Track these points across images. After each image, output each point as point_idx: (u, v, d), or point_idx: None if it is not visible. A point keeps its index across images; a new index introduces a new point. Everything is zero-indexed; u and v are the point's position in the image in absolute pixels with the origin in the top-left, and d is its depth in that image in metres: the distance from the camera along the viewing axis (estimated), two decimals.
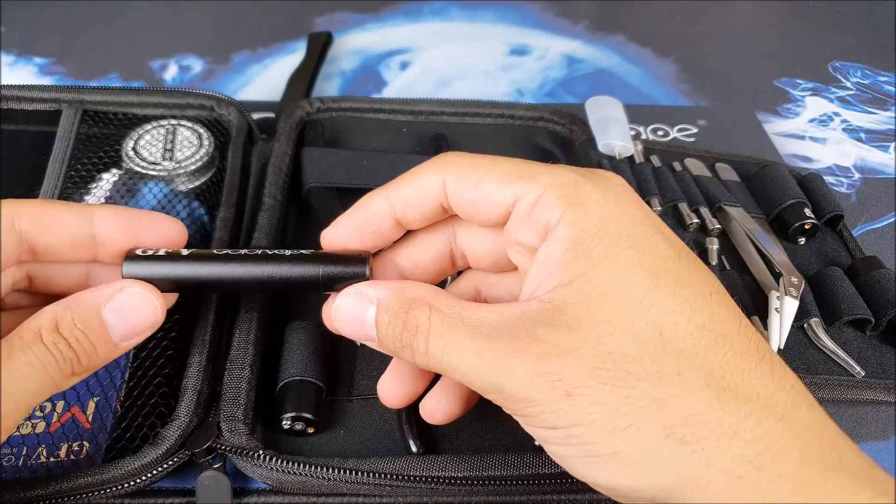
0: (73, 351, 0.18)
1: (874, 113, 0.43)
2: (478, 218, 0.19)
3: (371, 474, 0.20)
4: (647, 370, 0.15)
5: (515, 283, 0.21)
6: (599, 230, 0.16)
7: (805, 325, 0.27)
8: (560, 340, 0.15)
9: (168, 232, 0.21)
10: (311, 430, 0.23)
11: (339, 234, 0.20)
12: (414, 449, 0.23)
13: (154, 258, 0.20)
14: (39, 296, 0.21)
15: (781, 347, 0.25)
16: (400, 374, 0.21)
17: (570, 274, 0.16)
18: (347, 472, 0.20)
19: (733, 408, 0.14)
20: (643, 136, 0.40)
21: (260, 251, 0.20)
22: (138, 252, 0.20)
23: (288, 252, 0.20)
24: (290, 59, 0.45)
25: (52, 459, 0.21)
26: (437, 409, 0.21)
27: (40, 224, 0.19)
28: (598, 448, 0.15)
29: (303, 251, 0.20)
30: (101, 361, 0.19)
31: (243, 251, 0.20)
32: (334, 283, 0.20)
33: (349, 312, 0.18)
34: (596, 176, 0.18)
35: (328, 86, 0.43)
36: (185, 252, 0.20)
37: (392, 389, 0.21)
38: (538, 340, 0.16)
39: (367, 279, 0.21)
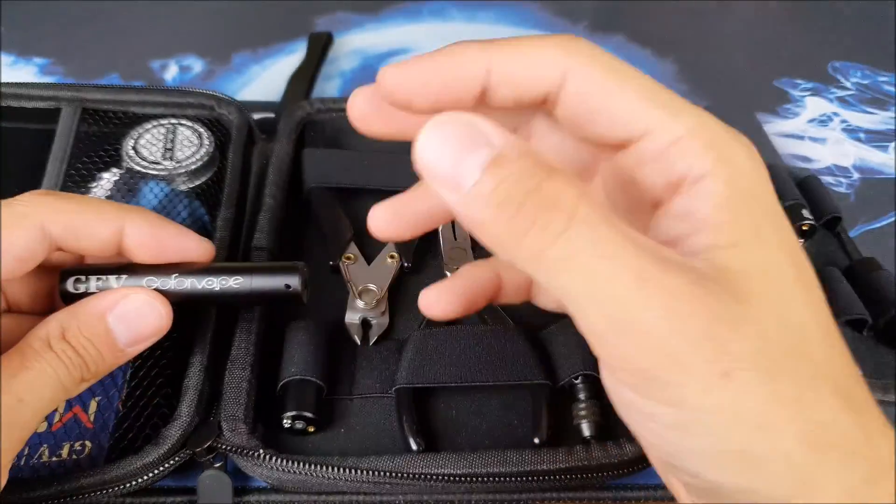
0: (80, 358, 0.18)
1: (873, 113, 0.43)
2: (588, 132, 0.15)
3: (370, 472, 0.21)
4: (789, 367, 0.13)
5: None
6: (752, 198, 0.14)
7: None
8: (732, 308, 0.13)
9: (196, 254, 0.21)
10: (311, 429, 0.24)
11: (411, 79, 0.15)
12: (413, 447, 0.23)
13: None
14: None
15: None
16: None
17: (729, 237, 0.14)
18: (347, 470, 0.21)
19: (854, 421, 0.13)
20: None
21: (190, 270, 0.20)
22: (70, 287, 0.20)
23: (218, 264, 0.21)
24: (291, 59, 0.45)
25: (54, 459, 0.22)
26: (437, 303, 0.19)
27: (72, 231, 0.19)
28: (724, 443, 0.13)
29: (232, 265, 0.21)
30: (110, 367, 0.19)
31: (174, 275, 0.20)
32: (264, 299, 0.20)
33: (451, 141, 0.13)
34: (739, 136, 0.15)
35: (328, 86, 0.44)
36: (113, 281, 0.20)
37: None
38: (714, 295, 0.13)
39: (299, 294, 0.21)
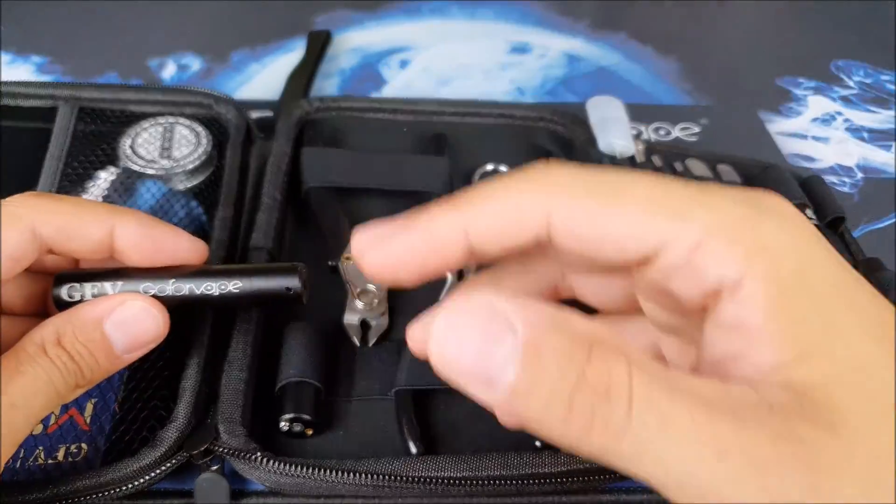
0: (76, 364, 0.18)
1: (877, 112, 0.43)
2: (598, 261, 0.14)
3: (369, 475, 0.20)
4: None
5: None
6: (806, 284, 0.12)
7: None
8: (828, 448, 0.11)
9: (189, 255, 0.21)
10: (309, 432, 0.23)
11: (391, 262, 0.15)
12: (413, 450, 0.22)
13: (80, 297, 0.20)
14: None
15: None
16: None
17: (795, 347, 0.11)
18: (345, 473, 0.20)
19: None
20: (644, 136, 0.40)
21: (188, 274, 0.20)
22: (65, 295, 0.20)
23: (216, 267, 0.21)
24: (290, 57, 0.44)
25: (49, 461, 0.21)
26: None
27: (63, 233, 0.19)
28: None
29: (231, 268, 0.21)
30: (105, 374, 0.19)
31: (172, 280, 0.20)
32: (264, 301, 0.20)
33: (470, 343, 0.12)
34: (763, 205, 0.13)
35: (327, 84, 0.43)
36: (109, 287, 0.20)
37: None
38: (803, 443, 0.11)
39: (300, 295, 0.21)
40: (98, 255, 0.20)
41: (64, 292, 0.20)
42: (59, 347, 0.18)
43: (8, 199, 0.19)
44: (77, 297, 0.20)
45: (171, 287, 0.20)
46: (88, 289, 0.20)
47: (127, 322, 0.19)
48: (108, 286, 0.20)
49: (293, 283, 0.20)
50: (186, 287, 0.20)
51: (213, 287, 0.20)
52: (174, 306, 0.20)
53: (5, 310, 0.20)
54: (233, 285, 0.20)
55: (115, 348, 0.19)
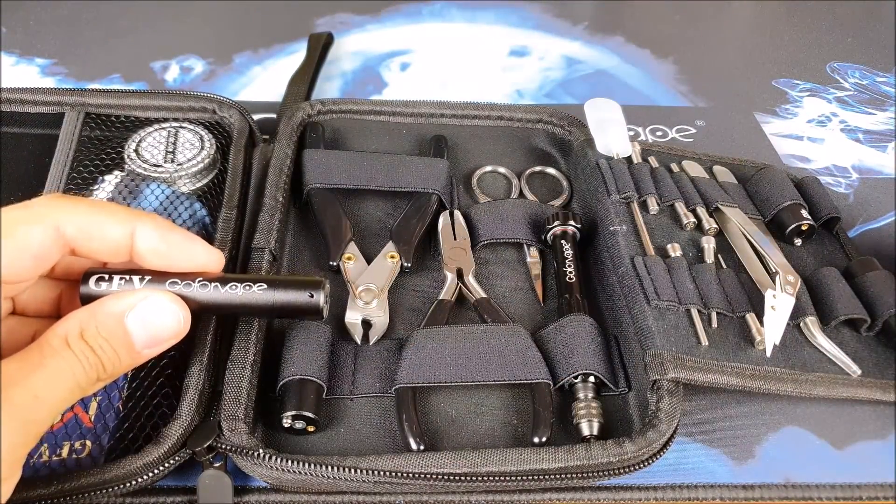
0: (98, 358, 0.18)
1: (872, 113, 0.43)
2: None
3: (370, 472, 0.21)
4: None
5: None
6: None
7: (801, 324, 0.27)
8: None
9: (204, 262, 0.21)
10: (311, 429, 0.24)
11: None
12: (413, 446, 0.23)
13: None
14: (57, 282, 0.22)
15: (777, 343, 0.26)
16: None
17: None
18: (347, 469, 0.21)
19: None
20: (641, 137, 0.40)
21: (213, 276, 0.20)
22: (92, 286, 0.20)
23: (239, 277, 0.21)
24: (291, 59, 0.45)
25: (54, 458, 0.22)
26: None
27: (85, 232, 0.19)
28: None
29: (255, 276, 0.21)
30: (126, 368, 0.19)
31: (198, 279, 0.20)
32: (284, 313, 0.21)
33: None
34: None
35: (329, 86, 0.44)
36: (137, 281, 0.20)
37: None
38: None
39: (320, 311, 0.21)
40: (117, 257, 0.20)
41: (92, 287, 0.20)
42: (81, 341, 0.18)
43: (32, 199, 0.19)
44: (104, 287, 0.20)
45: (196, 285, 0.20)
46: (116, 283, 0.20)
47: (148, 317, 0.19)
48: (135, 280, 0.20)
49: (317, 295, 0.21)
50: (211, 286, 0.20)
51: (237, 287, 0.20)
52: (198, 309, 0.20)
53: (19, 311, 0.21)
54: (258, 287, 0.20)
55: (136, 343, 0.19)
